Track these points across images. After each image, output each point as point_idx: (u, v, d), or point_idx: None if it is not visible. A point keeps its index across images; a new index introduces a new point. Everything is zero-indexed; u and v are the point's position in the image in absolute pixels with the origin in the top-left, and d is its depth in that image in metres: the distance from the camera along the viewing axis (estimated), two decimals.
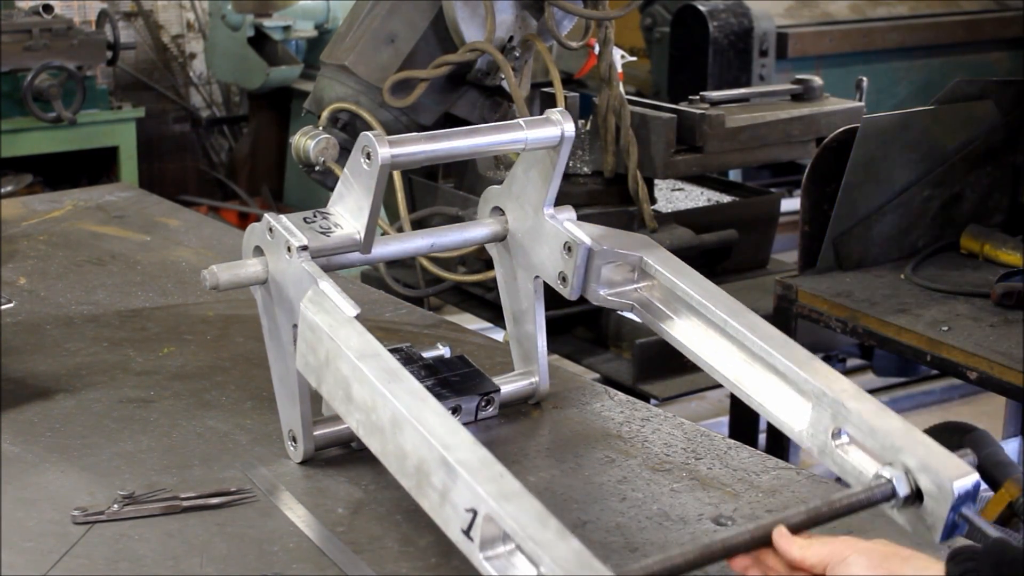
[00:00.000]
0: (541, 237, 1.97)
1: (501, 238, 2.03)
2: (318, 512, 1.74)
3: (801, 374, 1.69)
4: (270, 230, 1.81)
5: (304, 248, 1.77)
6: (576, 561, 1.32)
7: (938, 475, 1.52)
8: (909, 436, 1.56)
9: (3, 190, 5.19)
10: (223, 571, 1.60)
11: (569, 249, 1.92)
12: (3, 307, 2.50)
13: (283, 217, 1.81)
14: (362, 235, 1.82)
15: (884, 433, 1.58)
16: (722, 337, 1.81)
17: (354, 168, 1.80)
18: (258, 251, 1.85)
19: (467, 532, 1.43)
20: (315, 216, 1.84)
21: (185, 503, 1.74)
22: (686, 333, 1.88)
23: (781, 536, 1.47)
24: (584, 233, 1.93)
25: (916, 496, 1.53)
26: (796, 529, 1.48)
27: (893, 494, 1.53)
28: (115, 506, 1.72)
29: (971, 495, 1.52)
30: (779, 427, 1.72)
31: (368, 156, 1.77)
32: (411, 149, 1.80)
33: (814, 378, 1.68)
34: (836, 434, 1.65)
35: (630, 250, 1.94)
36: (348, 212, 1.83)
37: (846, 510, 1.53)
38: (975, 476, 1.53)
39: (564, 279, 1.94)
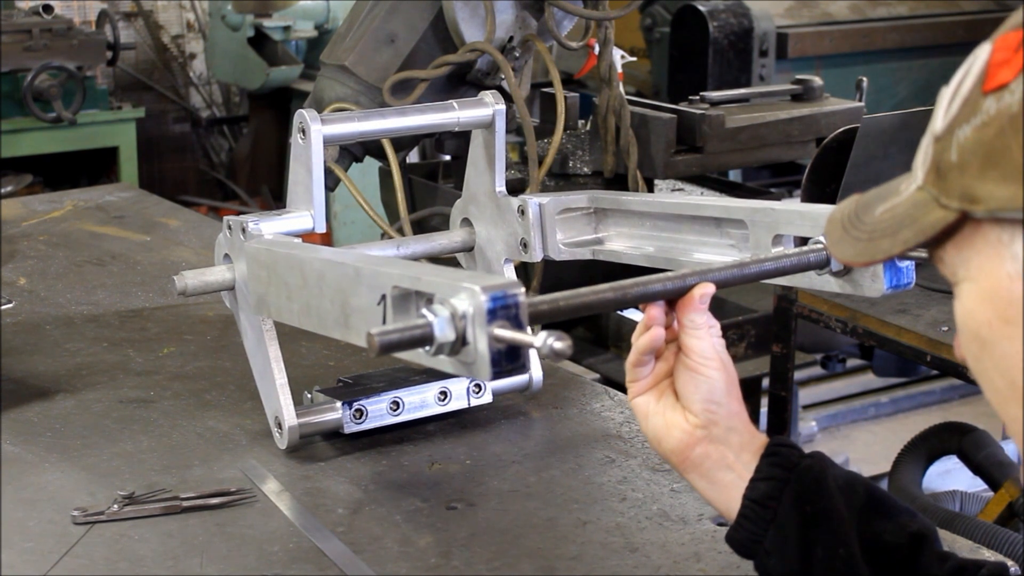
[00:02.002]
0: (500, 219, 2.02)
1: (469, 248, 2.08)
2: (318, 512, 1.74)
3: (731, 204, 1.78)
4: (228, 227, 1.89)
5: (256, 223, 1.84)
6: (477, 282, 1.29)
7: None
8: None
9: (3, 190, 5.19)
10: (223, 571, 1.60)
11: (522, 212, 1.97)
12: (3, 307, 2.50)
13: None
14: (312, 213, 1.87)
15: (812, 214, 1.63)
16: (671, 230, 1.88)
17: (296, 150, 1.87)
18: (227, 260, 1.92)
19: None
20: (271, 212, 1.92)
21: (185, 503, 1.74)
22: (641, 245, 1.93)
23: (702, 292, 1.35)
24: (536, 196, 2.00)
25: None
26: (721, 285, 1.38)
27: (827, 259, 1.54)
28: (115, 506, 1.71)
29: None
30: None
31: (303, 132, 1.84)
32: (343, 125, 1.88)
33: (743, 204, 1.77)
34: (776, 242, 1.69)
35: (579, 196, 2.01)
36: (300, 200, 1.89)
37: (775, 272, 1.51)
38: None
39: (525, 245, 1.98)
